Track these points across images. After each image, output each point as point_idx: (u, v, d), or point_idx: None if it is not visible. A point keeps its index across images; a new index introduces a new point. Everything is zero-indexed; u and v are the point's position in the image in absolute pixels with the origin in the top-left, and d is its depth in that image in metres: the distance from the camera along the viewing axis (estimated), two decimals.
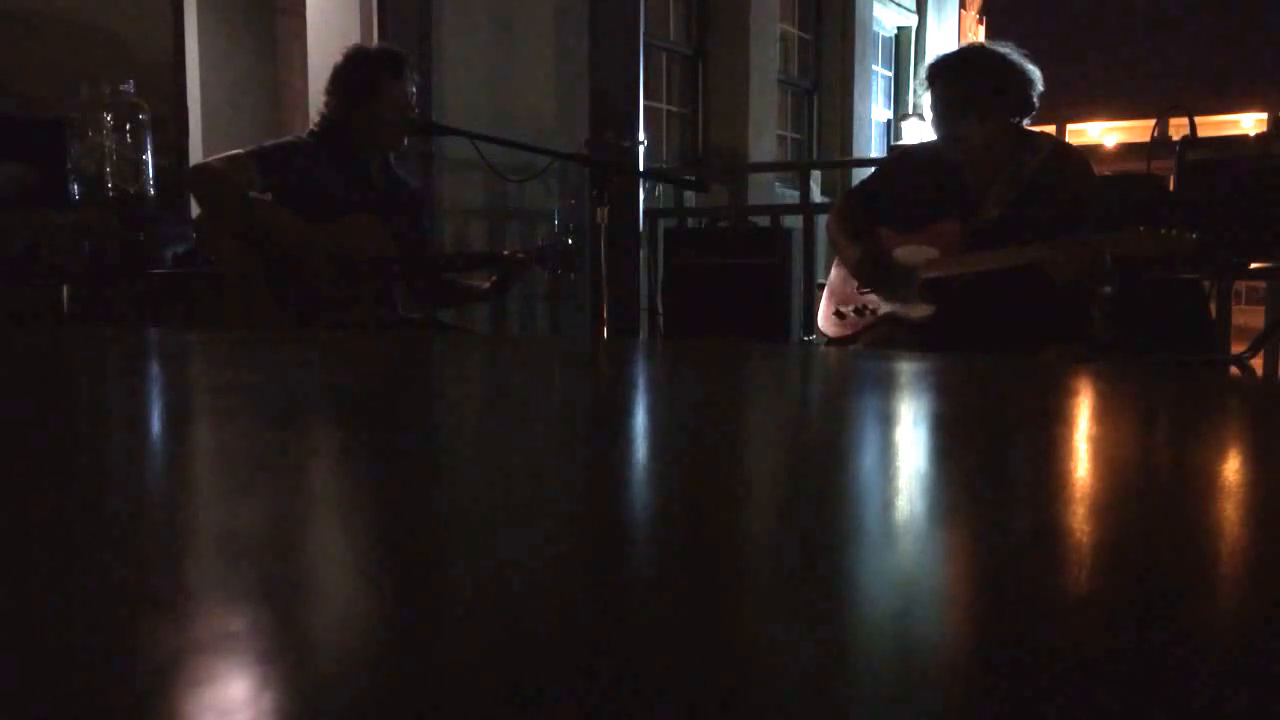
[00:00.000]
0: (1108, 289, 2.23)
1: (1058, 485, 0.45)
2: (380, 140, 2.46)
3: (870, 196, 2.54)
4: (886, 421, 0.64)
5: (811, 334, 4.07)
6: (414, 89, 2.47)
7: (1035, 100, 2.29)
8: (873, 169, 2.81)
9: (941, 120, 2.32)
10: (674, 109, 6.79)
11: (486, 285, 2.56)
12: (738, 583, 0.30)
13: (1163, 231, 2.05)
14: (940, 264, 2.30)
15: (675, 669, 0.23)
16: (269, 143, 2.44)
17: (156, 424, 0.62)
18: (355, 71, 2.42)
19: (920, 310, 2.34)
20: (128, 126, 2.37)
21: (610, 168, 2.72)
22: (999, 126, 2.29)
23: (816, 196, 6.57)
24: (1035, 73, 2.29)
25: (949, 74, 2.31)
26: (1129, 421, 0.69)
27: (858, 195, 2.60)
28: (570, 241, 2.60)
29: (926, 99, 2.36)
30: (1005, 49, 2.30)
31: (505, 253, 2.52)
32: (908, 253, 2.37)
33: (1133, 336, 2.76)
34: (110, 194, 2.36)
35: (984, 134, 2.28)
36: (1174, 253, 2.07)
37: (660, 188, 5.64)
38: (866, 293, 2.45)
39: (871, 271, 2.39)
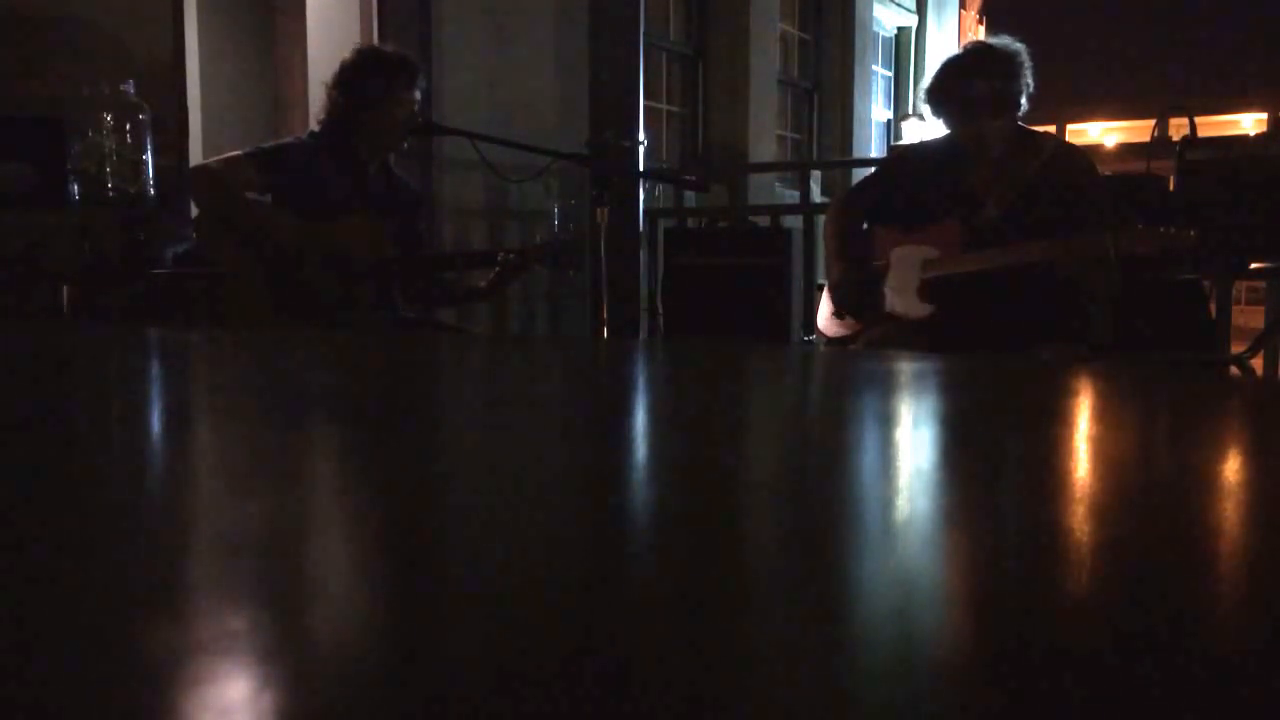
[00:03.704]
0: (1109, 287, 2.23)
1: (1057, 485, 0.45)
2: (381, 145, 2.46)
3: (870, 198, 2.54)
4: (885, 422, 0.64)
5: (811, 334, 4.06)
6: (420, 96, 2.47)
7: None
8: (872, 169, 2.81)
9: (978, 115, 2.29)
10: (674, 109, 6.79)
11: (483, 284, 2.55)
12: (738, 583, 0.30)
13: (1162, 229, 2.05)
14: (940, 264, 2.30)
15: (675, 669, 0.23)
16: (268, 144, 2.44)
17: (156, 424, 0.62)
18: (367, 74, 2.40)
19: (920, 310, 2.34)
20: (128, 126, 2.37)
21: (610, 168, 2.72)
22: (1012, 125, 2.31)
23: (816, 196, 6.57)
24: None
25: (1003, 68, 2.29)
26: (1128, 422, 0.69)
27: (856, 197, 2.60)
28: (569, 239, 2.59)
29: (961, 88, 2.31)
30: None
31: (503, 252, 2.51)
32: (907, 253, 2.37)
33: (1133, 336, 2.76)
34: (110, 194, 2.36)
35: (1001, 132, 2.29)
36: (1173, 249, 2.07)
37: (660, 188, 5.64)
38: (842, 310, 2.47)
39: (844, 297, 2.41)
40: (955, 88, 2.31)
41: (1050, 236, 2.17)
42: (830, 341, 2.56)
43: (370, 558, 0.33)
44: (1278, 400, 0.80)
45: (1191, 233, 2.06)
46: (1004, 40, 2.35)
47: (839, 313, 2.45)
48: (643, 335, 4.78)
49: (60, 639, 0.24)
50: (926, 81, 2.42)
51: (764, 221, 4.77)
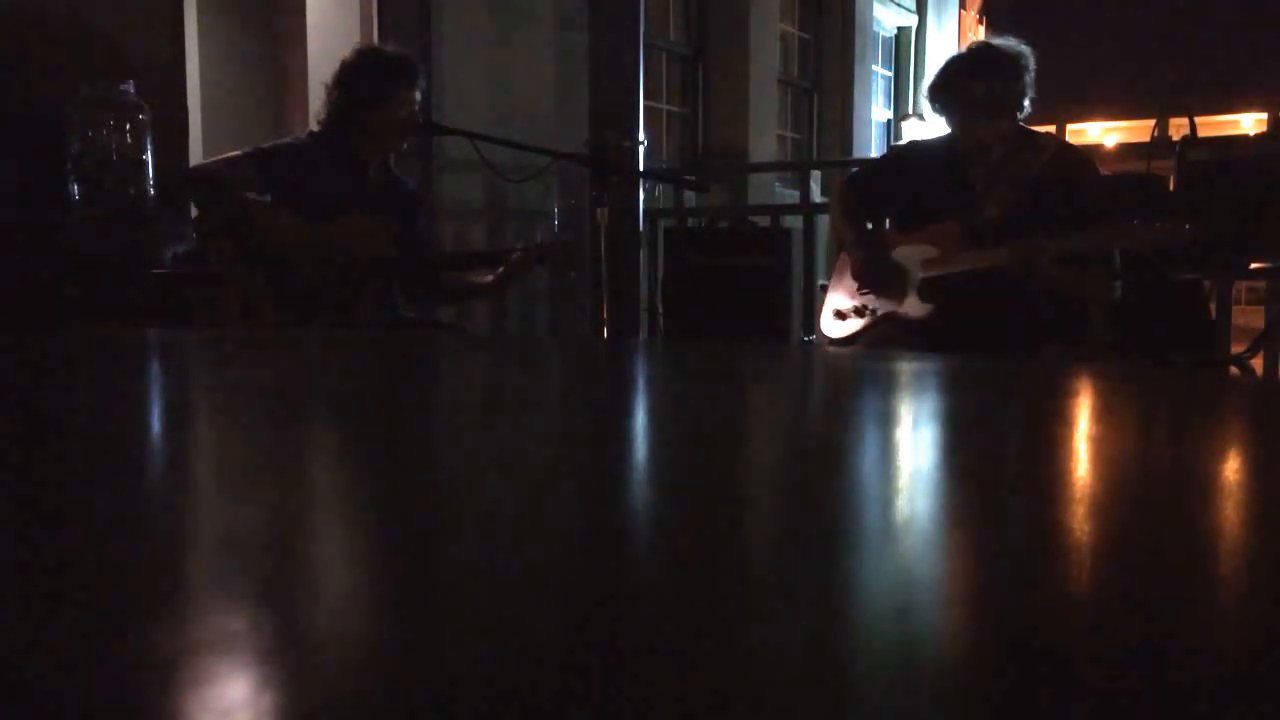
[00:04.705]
0: (1109, 288, 2.23)
1: (1058, 485, 0.45)
2: (381, 145, 2.46)
3: (870, 185, 2.55)
4: (885, 422, 0.64)
5: (811, 334, 4.06)
6: (420, 96, 2.47)
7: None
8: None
9: (979, 115, 2.28)
10: (674, 109, 6.79)
11: (488, 279, 2.54)
12: (738, 583, 0.30)
13: (1157, 225, 2.05)
14: (938, 263, 2.30)
15: (674, 670, 0.23)
16: (267, 144, 2.44)
17: (156, 424, 0.62)
18: (368, 74, 2.40)
19: (920, 310, 2.34)
20: (128, 126, 2.37)
21: (610, 168, 2.72)
22: (1013, 126, 2.30)
23: (816, 197, 6.57)
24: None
25: (1006, 70, 2.29)
26: (1128, 422, 0.69)
27: (858, 182, 2.60)
28: (569, 239, 2.59)
29: (963, 89, 2.30)
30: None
31: (505, 252, 2.50)
32: (907, 252, 2.37)
33: (1133, 336, 2.76)
34: (110, 194, 2.36)
35: (1002, 133, 2.29)
36: (1167, 244, 2.07)
37: (660, 188, 5.63)
38: (866, 293, 2.45)
39: (873, 274, 2.40)
40: (958, 87, 2.31)
41: (1050, 237, 2.17)
42: (832, 342, 2.56)
43: (370, 558, 0.33)
44: (1278, 400, 0.80)
45: (1187, 226, 2.06)
46: (1007, 41, 2.34)
47: (862, 288, 2.44)
48: (643, 335, 4.78)
49: (60, 639, 0.24)
50: (929, 80, 2.41)
51: (764, 221, 4.77)
